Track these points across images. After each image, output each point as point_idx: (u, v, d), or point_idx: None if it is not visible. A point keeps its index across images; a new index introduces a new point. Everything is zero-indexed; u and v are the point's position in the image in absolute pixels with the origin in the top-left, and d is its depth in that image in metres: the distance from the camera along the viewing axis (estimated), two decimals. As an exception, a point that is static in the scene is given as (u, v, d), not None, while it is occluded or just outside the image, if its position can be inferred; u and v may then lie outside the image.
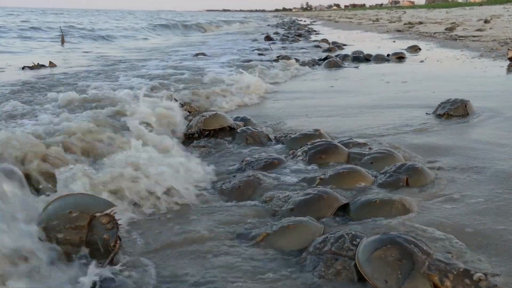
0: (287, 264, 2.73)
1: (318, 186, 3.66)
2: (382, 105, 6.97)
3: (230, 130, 5.28)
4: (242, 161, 4.33)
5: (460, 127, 5.56)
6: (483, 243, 2.84)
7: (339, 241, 2.75)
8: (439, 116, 5.98)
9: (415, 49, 15.13)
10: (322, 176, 3.83)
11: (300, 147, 4.57)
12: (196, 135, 5.24)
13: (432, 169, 4.04)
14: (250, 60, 12.76)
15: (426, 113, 6.17)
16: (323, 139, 4.65)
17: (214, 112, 5.53)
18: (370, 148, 4.60)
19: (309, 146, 4.46)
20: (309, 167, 4.22)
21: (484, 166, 4.13)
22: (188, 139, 5.25)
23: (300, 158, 4.38)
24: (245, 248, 2.89)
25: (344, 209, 3.36)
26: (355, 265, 2.55)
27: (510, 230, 2.97)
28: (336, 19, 65.28)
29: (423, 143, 4.91)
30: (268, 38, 23.98)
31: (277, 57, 13.26)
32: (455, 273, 2.39)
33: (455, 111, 5.94)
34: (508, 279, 2.45)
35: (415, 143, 4.92)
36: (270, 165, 4.19)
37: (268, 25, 50.04)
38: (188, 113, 6.02)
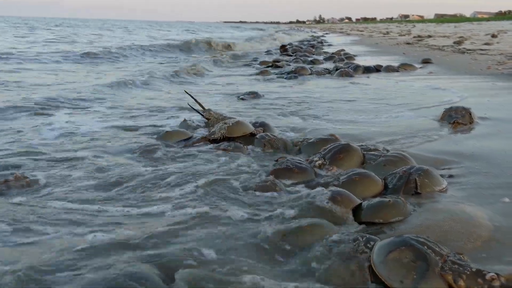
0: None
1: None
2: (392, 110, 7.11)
3: (250, 135, 5.57)
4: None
5: (468, 135, 5.68)
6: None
7: (354, 243, 2.84)
8: (450, 124, 6.08)
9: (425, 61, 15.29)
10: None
11: (316, 153, 4.70)
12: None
13: (443, 176, 4.12)
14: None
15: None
16: (336, 142, 4.82)
17: (237, 120, 5.78)
18: (387, 150, 4.74)
19: (325, 151, 4.59)
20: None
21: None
22: (209, 142, 5.51)
23: (319, 162, 4.48)
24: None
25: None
26: (369, 266, 2.63)
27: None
28: (348, 32, 65.71)
29: (434, 150, 4.99)
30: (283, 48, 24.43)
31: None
32: (468, 273, 2.46)
33: (462, 119, 6.06)
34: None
35: (424, 150, 5.01)
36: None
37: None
38: (207, 120, 6.35)
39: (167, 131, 5.80)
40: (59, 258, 2.77)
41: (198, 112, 6.65)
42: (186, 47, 24.65)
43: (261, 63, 16.87)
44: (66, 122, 6.64)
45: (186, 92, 7.49)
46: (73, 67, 14.63)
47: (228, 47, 26.62)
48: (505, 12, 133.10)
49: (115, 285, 2.44)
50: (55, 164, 4.62)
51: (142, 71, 13.00)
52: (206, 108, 6.83)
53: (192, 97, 7.06)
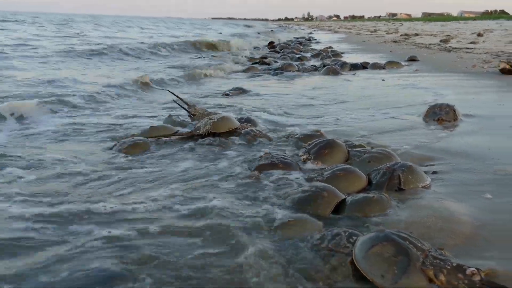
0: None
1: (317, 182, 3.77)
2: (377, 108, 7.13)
3: (235, 130, 5.56)
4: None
5: (452, 132, 5.72)
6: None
7: (336, 238, 2.85)
8: (434, 121, 6.11)
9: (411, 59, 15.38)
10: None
11: (301, 148, 4.73)
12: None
13: (427, 173, 4.14)
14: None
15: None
16: (321, 137, 4.84)
17: (222, 116, 5.76)
18: (371, 147, 4.76)
19: (310, 146, 4.60)
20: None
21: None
22: (193, 137, 5.48)
23: (304, 157, 4.48)
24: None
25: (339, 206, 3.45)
26: (351, 261, 2.63)
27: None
28: (336, 29, 65.94)
29: (418, 147, 5.02)
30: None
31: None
32: (448, 268, 2.47)
33: (447, 116, 6.10)
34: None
35: (409, 146, 5.03)
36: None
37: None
38: (193, 115, 6.31)
39: (151, 126, 5.75)
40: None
41: (184, 108, 6.61)
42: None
43: (249, 59, 16.85)
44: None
45: (168, 90, 7.43)
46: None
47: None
48: (491, 12, 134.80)
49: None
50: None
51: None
52: (191, 104, 6.80)
53: (175, 95, 7.03)
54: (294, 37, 36.72)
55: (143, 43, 22.01)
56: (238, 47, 24.05)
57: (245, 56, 18.15)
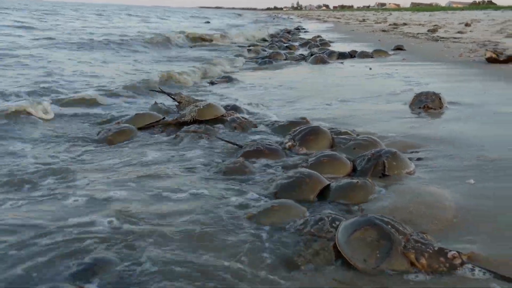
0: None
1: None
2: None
3: (221, 117, 5.51)
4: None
5: (437, 119, 5.76)
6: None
7: (319, 223, 2.84)
8: (420, 109, 6.13)
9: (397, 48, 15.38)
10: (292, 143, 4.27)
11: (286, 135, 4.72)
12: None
13: (412, 159, 4.15)
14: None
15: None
16: (306, 125, 4.84)
17: (208, 103, 5.72)
18: (357, 134, 4.77)
19: (295, 133, 4.59)
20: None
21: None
22: (179, 125, 5.40)
23: (289, 144, 4.46)
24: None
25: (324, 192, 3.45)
26: (334, 246, 2.63)
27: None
28: (325, 19, 65.84)
29: (404, 135, 5.03)
30: None
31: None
32: (430, 251, 2.48)
33: (432, 103, 6.12)
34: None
35: (395, 134, 5.04)
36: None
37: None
38: (178, 103, 6.22)
39: (137, 114, 5.69)
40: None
41: (169, 95, 6.55)
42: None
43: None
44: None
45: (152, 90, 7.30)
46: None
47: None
48: (479, 2, 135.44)
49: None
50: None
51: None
52: (177, 92, 6.76)
53: (158, 90, 6.96)
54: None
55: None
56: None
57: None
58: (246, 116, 5.80)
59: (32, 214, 3.08)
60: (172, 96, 6.48)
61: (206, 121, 5.41)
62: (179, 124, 5.43)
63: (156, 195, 3.42)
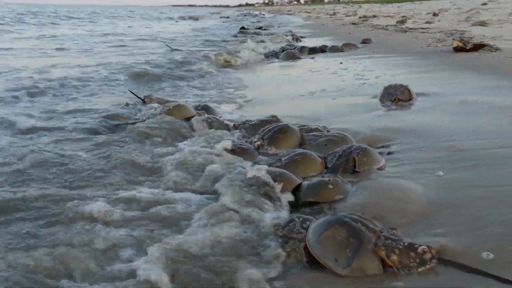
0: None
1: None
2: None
3: (191, 118, 5.40)
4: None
5: (407, 111, 5.81)
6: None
7: (290, 224, 2.82)
8: (390, 101, 6.16)
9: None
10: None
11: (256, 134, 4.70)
12: None
13: (382, 154, 4.17)
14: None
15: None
16: (276, 123, 4.82)
17: (177, 103, 5.69)
18: (327, 130, 4.77)
19: (264, 132, 4.58)
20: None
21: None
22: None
23: (257, 143, 4.43)
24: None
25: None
26: (305, 247, 2.61)
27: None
28: (296, 13, 66.22)
29: (375, 129, 5.05)
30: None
31: None
32: (400, 247, 2.48)
33: (402, 95, 6.16)
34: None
35: (366, 128, 5.06)
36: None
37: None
38: (144, 102, 6.26)
39: (106, 115, 5.71)
40: None
41: (138, 97, 6.49)
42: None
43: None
44: None
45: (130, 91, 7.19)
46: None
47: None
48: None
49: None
50: None
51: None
52: (147, 94, 6.73)
53: (132, 92, 6.90)
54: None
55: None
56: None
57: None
58: (218, 116, 5.74)
59: None
60: (141, 98, 6.44)
61: (176, 124, 5.32)
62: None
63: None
